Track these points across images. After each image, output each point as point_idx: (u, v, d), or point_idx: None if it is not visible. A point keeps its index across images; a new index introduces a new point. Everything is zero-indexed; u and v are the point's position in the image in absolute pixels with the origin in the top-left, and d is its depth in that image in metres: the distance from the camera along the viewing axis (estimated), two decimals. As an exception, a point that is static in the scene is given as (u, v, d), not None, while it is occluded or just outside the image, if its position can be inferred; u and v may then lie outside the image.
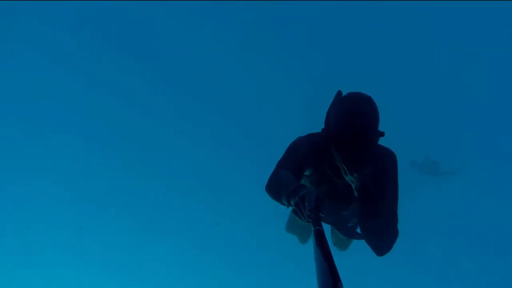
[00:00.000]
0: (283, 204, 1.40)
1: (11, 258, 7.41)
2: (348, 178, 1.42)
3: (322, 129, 1.51)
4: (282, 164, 1.62)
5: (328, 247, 0.85)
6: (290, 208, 1.32)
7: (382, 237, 1.46)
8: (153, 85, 8.74)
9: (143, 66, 8.75)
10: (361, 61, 8.63)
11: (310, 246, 0.92)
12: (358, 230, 1.99)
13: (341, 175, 1.47)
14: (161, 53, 8.87)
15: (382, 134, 1.41)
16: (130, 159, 8.24)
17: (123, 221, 7.72)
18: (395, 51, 8.71)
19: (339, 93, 1.48)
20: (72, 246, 7.51)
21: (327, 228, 2.30)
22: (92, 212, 7.72)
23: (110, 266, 7.59)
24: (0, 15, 7.95)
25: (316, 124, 1.69)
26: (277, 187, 1.47)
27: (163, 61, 8.90)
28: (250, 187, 6.60)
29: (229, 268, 7.44)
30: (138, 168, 8.18)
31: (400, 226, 1.54)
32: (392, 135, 1.58)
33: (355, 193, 1.46)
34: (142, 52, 8.77)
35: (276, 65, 8.97)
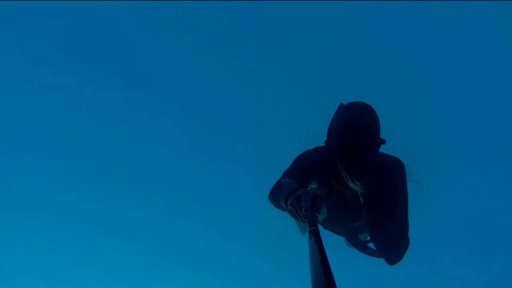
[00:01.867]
0: (282, 207, 1.40)
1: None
2: (352, 185, 1.43)
3: (325, 141, 1.55)
4: (287, 174, 1.63)
5: (323, 248, 0.85)
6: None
7: (393, 248, 1.48)
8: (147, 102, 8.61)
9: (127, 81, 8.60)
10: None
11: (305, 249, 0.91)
12: (371, 244, 1.98)
13: (345, 184, 1.47)
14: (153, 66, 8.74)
15: (383, 141, 1.44)
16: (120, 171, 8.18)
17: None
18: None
19: (341, 105, 1.51)
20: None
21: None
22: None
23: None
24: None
25: (322, 130, 1.69)
26: (277, 192, 1.48)
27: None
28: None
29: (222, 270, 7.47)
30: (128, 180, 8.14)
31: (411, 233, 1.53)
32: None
33: (361, 200, 1.48)
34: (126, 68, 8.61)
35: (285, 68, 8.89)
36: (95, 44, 8.30)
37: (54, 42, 8.11)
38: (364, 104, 1.45)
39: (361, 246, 1.96)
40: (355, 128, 1.36)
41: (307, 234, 0.95)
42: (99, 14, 8.24)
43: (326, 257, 0.79)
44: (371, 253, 1.91)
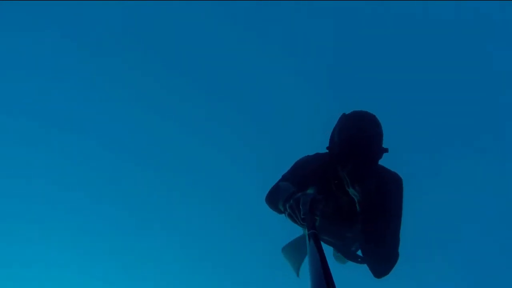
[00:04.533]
0: (280, 211, 1.40)
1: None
2: (351, 191, 1.44)
3: (327, 147, 1.56)
4: (286, 178, 1.64)
5: (323, 251, 0.85)
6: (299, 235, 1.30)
7: (382, 261, 1.48)
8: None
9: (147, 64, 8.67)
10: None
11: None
12: (360, 253, 1.98)
13: (345, 189, 1.48)
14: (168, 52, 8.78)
15: (385, 150, 1.44)
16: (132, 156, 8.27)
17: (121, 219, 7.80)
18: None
19: (343, 115, 1.53)
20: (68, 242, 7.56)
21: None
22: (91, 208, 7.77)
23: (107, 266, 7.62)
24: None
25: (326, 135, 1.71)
26: (275, 195, 1.49)
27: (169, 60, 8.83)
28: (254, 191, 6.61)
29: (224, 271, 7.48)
30: (140, 165, 8.21)
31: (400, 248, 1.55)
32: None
33: (358, 208, 1.47)
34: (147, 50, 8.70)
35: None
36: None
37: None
38: (369, 113, 1.48)
39: (352, 256, 1.96)
40: (359, 136, 1.38)
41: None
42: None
43: (325, 260, 0.80)
44: (362, 261, 1.91)
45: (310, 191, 1.68)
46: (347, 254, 1.95)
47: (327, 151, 1.57)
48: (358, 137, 1.38)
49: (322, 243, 2.02)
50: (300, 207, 1.15)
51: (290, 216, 1.22)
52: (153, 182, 8.15)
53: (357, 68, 8.59)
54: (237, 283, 7.52)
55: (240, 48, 8.84)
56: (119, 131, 8.35)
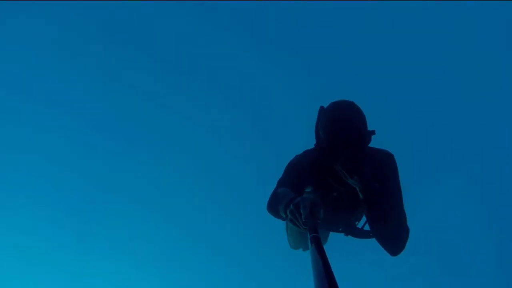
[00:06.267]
0: (282, 217, 1.40)
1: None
2: (350, 181, 1.44)
3: (315, 144, 1.56)
4: (281, 183, 1.63)
5: (325, 254, 0.85)
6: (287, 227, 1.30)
7: (395, 239, 1.50)
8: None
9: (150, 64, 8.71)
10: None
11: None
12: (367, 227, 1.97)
13: (343, 181, 1.48)
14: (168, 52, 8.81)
15: (372, 132, 1.45)
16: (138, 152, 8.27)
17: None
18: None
19: (322, 108, 1.53)
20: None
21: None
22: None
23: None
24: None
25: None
26: (275, 202, 1.48)
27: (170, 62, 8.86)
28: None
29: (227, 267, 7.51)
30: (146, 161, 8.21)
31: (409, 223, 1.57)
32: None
33: (360, 195, 1.47)
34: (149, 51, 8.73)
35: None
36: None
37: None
38: (347, 101, 1.48)
39: (363, 234, 1.94)
40: (343, 126, 1.39)
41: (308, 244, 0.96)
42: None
43: (328, 262, 0.80)
44: (373, 236, 1.91)
45: (307, 190, 1.69)
46: (356, 234, 1.96)
47: (315, 146, 1.57)
48: (343, 127, 1.39)
49: (332, 233, 2.04)
50: (301, 211, 1.14)
51: (291, 221, 1.21)
52: (155, 182, 8.18)
53: (338, 66, 8.62)
54: (237, 282, 7.55)
55: (231, 48, 8.87)
56: (126, 129, 8.38)
